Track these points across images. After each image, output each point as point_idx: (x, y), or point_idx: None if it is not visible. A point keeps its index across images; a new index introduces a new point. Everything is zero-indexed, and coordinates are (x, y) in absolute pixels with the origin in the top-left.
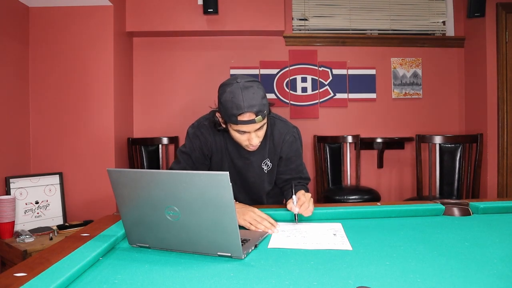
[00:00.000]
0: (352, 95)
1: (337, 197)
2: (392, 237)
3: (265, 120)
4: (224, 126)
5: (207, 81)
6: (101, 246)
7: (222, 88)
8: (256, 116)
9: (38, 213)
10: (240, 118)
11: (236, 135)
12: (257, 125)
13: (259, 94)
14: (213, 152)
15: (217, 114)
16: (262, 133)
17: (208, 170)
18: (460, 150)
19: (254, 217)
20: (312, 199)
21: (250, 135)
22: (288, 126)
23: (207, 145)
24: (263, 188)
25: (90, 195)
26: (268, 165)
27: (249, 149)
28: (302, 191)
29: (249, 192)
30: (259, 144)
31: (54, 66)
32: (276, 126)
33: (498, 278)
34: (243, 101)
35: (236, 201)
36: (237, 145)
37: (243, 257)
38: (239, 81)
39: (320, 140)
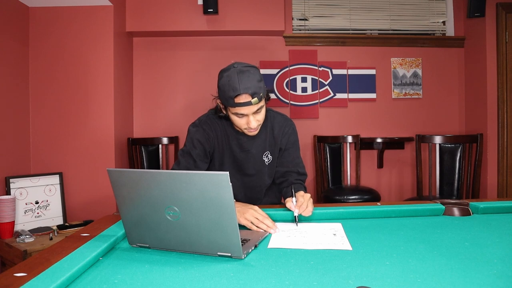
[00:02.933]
0: (352, 95)
1: (337, 197)
2: (392, 237)
3: (262, 103)
4: (224, 112)
5: (207, 81)
6: (101, 246)
7: (221, 74)
8: (252, 98)
9: (38, 213)
10: (236, 100)
11: (236, 119)
12: (254, 107)
13: (255, 78)
14: (215, 147)
15: (218, 101)
16: (260, 116)
17: (208, 168)
18: (460, 150)
19: (255, 215)
20: (311, 199)
21: (248, 118)
22: (287, 119)
23: (209, 140)
24: (264, 181)
25: (90, 195)
26: (269, 158)
27: (249, 134)
28: (302, 192)
29: (249, 187)
30: (258, 128)
31: (54, 66)
32: (276, 119)
33: (498, 278)
34: (238, 83)
35: (235, 200)
36: (239, 138)
37: (243, 257)
38: (236, 66)
39: (320, 140)
